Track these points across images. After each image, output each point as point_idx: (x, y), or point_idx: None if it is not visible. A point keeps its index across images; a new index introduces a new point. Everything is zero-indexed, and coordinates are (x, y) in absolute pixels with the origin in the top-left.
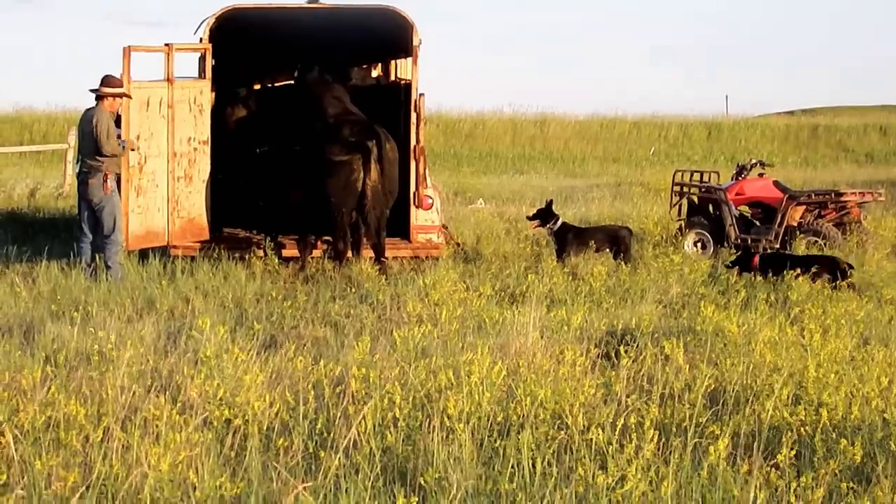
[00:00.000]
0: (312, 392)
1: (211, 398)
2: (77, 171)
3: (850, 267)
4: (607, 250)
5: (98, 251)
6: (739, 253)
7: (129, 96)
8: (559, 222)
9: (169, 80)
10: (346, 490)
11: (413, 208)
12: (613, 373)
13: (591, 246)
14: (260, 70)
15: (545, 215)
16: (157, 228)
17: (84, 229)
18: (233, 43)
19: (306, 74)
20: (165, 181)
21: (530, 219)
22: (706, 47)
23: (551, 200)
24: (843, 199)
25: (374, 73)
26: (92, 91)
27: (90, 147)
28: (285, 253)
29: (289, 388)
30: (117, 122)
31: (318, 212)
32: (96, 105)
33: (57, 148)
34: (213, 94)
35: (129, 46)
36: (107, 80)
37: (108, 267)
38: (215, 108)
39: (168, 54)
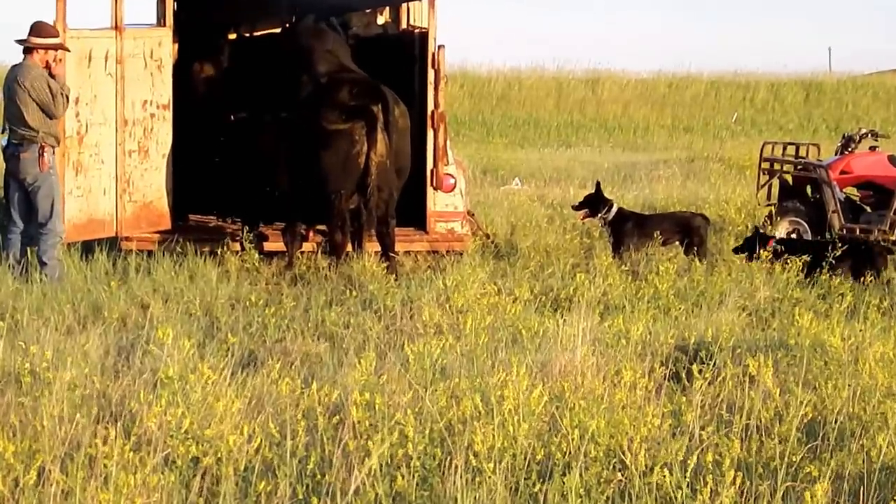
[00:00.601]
0: (303, 423)
1: (174, 431)
2: (4, 143)
3: (890, 252)
4: (677, 243)
5: (31, 243)
6: (749, 236)
7: (66, 48)
8: (614, 209)
9: (117, 27)
10: None
11: (430, 190)
12: (684, 398)
13: (656, 238)
14: (235, 15)
15: (595, 202)
16: (102, 215)
17: (13, 216)
18: None
19: (294, 21)
20: (113, 156)
21: (577, 208)
22: None
23: (599, 182)
24: None
25: (381, 20)
26: (19, 42)
27: (18, 114)
28: (268, 246)
29: (272, 418)
30: None
31: (308, 195)
32: (24, 60)
33: None
34: (176, 45)
35: None
36: (37, 28)
37: (42, 263)
38: (178, 64)
39: None
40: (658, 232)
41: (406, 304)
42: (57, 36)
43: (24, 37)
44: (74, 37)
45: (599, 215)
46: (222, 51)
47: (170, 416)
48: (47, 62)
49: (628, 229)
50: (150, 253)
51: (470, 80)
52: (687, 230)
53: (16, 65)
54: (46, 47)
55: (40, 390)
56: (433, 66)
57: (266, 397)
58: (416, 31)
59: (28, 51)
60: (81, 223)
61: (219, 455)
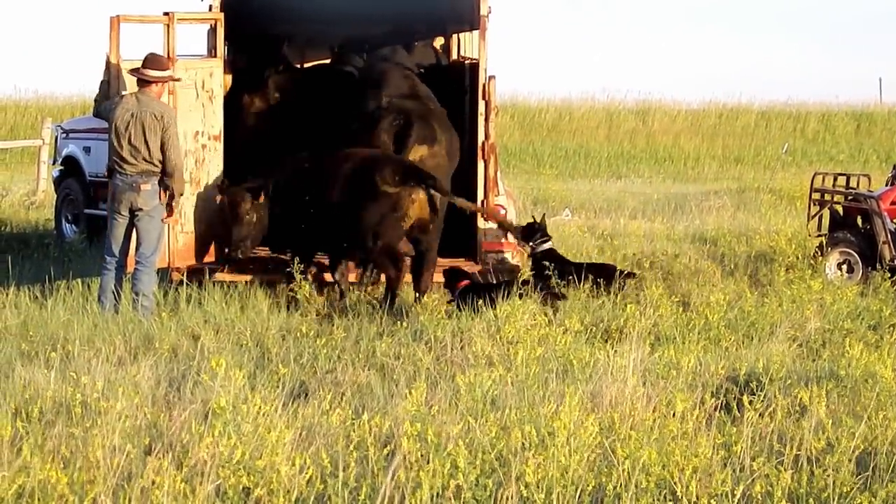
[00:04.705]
0: (354, 454)
1: (225, 461)
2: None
3: None
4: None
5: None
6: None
7: (177, 80)
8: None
9: (169, 58)
10: None
11: (481, 221)
12: (735, 429)
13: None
14: (286, 46)
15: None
16: None
17: (115, 252)
18: (251, 11)
19: (347, 52)
20: None
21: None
22: (854, 17)
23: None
24: None
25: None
26: (133, 73)
27: (140, 145)
28: (328, 277)
29: (323, 449)
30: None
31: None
32: (142, 92)
33: (28, 145)
34: (228, 76)
35: (119, 16)
36: (152, 60)
37: (138, 296)
38: (230, 96)
39: (168, 26)
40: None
41: (456, 335)
42: (170, 68)
43: (139, 68)
44: (128, 67)
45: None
46: (276, 83)
47: (221, 447)
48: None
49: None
50: (200, 284)
51: (520, 111)
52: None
53: (127, 96)
54: (163, 80)
55: (92, 421)
56: (484, 97)
57: (317, 428)
58: (467, 61)
59: (144, 83)
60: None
61: (270, 486)
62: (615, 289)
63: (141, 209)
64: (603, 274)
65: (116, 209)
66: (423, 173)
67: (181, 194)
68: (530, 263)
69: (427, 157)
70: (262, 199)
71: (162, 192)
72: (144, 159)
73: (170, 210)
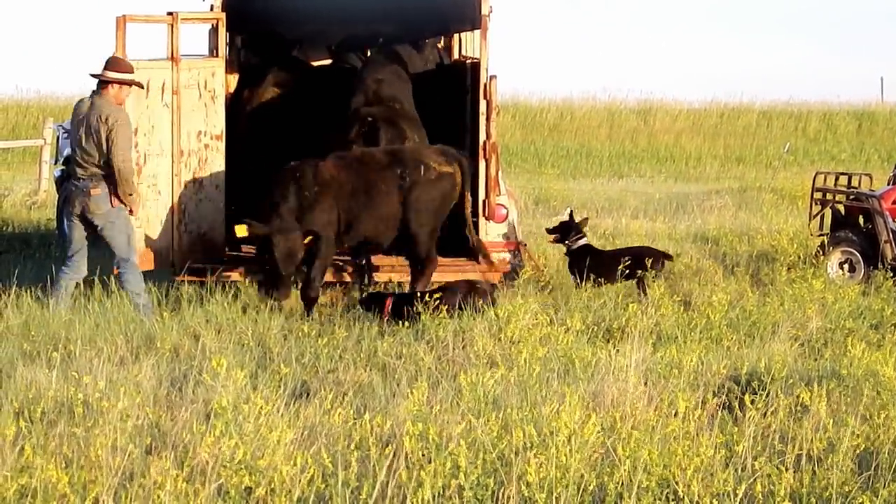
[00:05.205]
0: (355, 453)
1: (227, 461)
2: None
3: None
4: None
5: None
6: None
7: (140, 85)
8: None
9: (173, 58)
10: None
11: (482, 220)
12: (736, 429)
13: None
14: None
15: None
16: (159, 246)
17: (68, 252)
18: (253, 11)
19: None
20: (169, 186)
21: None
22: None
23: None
24: None
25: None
26: (94, 76)
27: (91, 149)
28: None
29: (325, 449)
30: None
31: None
32: (98, 94)
33: (29, 145)
34: (230, 76)
35: (125, 15)
36: (114, 63)
37: (134, 296)
38: (233, 95)
39: (172, 25)
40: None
41: (458, 335)
42: (132, 71)
43: (100, 70)
44: (133, 67)
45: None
46: (276, 80)
47: (223, 447)
48: (122, 99)
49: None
50: (202, 284)
51: (521, 110)
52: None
53: (89, 96)
54: (122, 82)
55: (93, 420)
56: (485, 97)
57: (319, 428)
58: (468, 61)
59: (103, 85)
60: (142, 254)
61: (272, 485)
62: (653, 272)
63: (94, 214)
64: (640, 258)
65: (70, 212)
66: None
67: (130, 195)
68: (568, 260)
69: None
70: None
71: (112, 196)
72: (94, 163)
73: (124, 213)
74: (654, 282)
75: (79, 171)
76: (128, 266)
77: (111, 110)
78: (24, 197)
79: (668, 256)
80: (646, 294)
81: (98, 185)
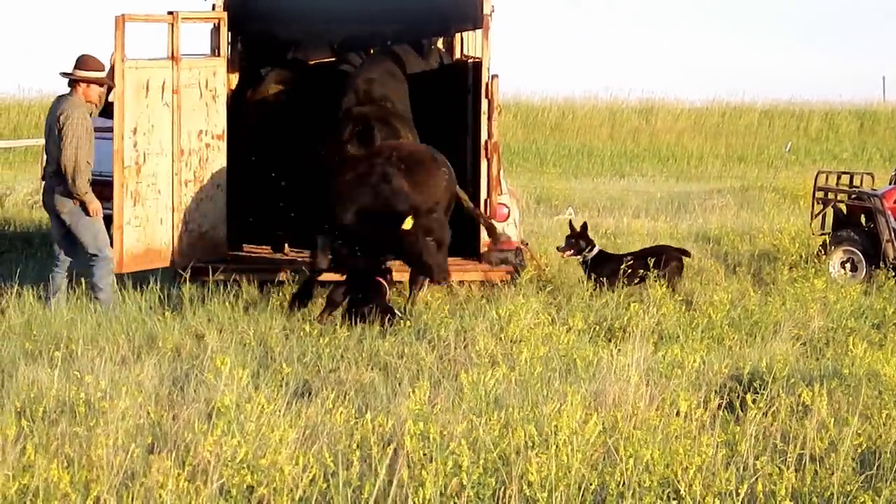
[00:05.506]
0: (357, 453)
1: (229, 460)
2: (42, 174)
3: None
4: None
5: (85, 274)
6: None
7: (110, 83)
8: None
9: (173, 57)
10: None
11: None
12: (738, 428)
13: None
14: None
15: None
16: (158, 245)
17: (56, 252)
18: (255, 10)
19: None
20: (170, 185)
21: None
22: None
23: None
24: None
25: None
26: (64, 75)
27: (53, 148)
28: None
29: (327, 448)
30: (108, 114)
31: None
32: (69, 92)
33: (31, 144)
34: (232, 75)
35: (124, 15)
36: (83, 61)
37: (97, 290)
38: (234, 94)
39: (172, 25)
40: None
41: (460, 334)
42: (103, 70)
43: (70, 69)
44: (132, 66)
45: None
46: (278, 79)
47: (225, 446)
48: (99, 97)
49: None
50: (203, 283)
51: (523, 110)
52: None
53: (61, 95)
54: (89, 81)
55: (95, 420)
56: (487, 96)
57: (320, 427)
58: (470, 60)
59: (72, 84)
60: (139, 253)
61: (274, 485)
62: (672, 268)
63: (60, 211)
64: (658, 257)
65: (48, 210)
66: None
67: (78, 194)
68: (584, 270)
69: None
70: None
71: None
72: (56, 161)
73: (86, 211)
74: (673, 282)
75: (48, 168)
76: (97, 260)
77: (69, 109)
78: (26, 196)
79: (685, 253)
80: (675, 291)
81: (62, 182)
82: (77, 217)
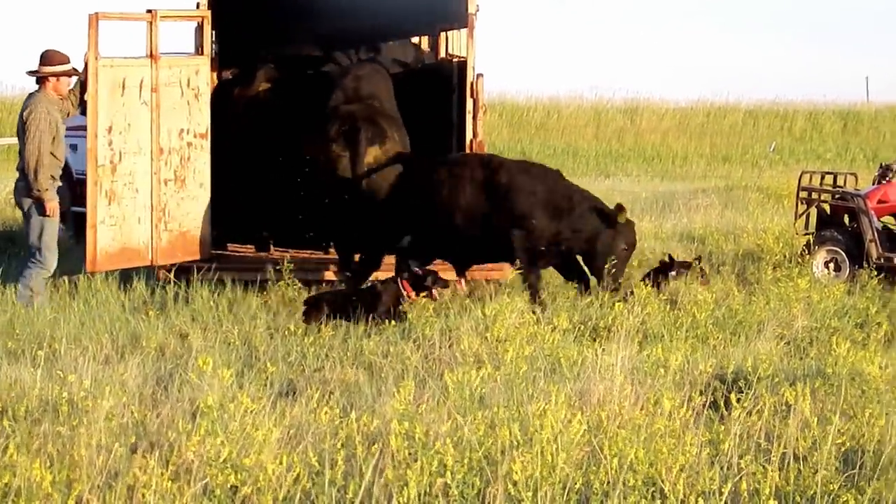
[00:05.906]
0: (342, 452)
1: (212, 460)
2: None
3: None
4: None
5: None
6: None
7: (77, 73)
8: None
9: (152, 56)
10: None
11: None
12: (722, 427)
13: None
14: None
15: None
16: (136, 244)
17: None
18: (239, 8)
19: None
20: (148, 184)
21: None
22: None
23: None
24: None
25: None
26: (30, 73)
27: (21, 144)
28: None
29: (311, 447)
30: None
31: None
32: (38, 89)
33: (13, 143)
34: (215, 73)
35: (98, 13)
36: (48, 57)
37: (21, 283)
38: (218, 93)
39: (151, 23)
40: None
41: (445, 334)
42: (68, 62)
43: (36, 67)
44: (107, 65)
45: None
46: (265, 76)
47: (208, 446)
48: (72, 90)
49: None
50: (188, 282)
51: (508, 109)
52: None
53: (32, 92)
54: (56, 74)
55: (78, 419)
56: (472, 96)
57: (305, 426)
58: (455, 60)
59: (40, 81)
60: (114, 251)
61: (258, 484)
62: (671, 279)
63: (20, 205)
64: (658, 269)
65: (19, 208)
66: None
67: (38, 189)
68: None
69: (381, 155)
70: None
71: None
72: (23, 157)
73: (41, 209)
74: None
75: (18, 165)
76: (34, 261)
77: (34, 104)
78: (8, 195)
79: (687, 265)
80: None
81: (25, 179)
82: (32, 213)
